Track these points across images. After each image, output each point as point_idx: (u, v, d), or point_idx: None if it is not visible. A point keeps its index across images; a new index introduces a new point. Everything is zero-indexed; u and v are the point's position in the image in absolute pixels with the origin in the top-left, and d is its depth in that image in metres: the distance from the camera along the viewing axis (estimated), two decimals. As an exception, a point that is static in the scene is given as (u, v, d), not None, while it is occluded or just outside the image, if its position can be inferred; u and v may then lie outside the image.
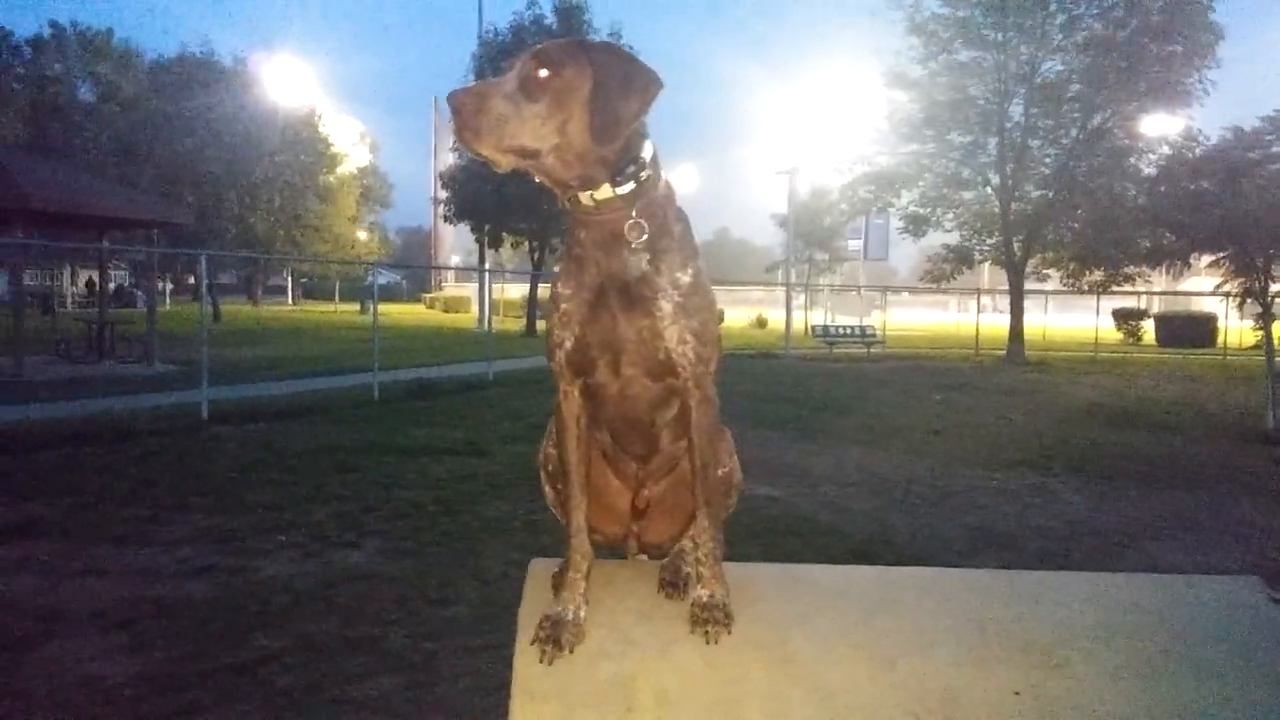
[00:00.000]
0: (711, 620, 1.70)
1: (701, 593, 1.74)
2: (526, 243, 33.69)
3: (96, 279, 33.79)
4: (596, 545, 1.85)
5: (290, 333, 31.70)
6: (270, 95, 44.83)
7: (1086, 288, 29.53)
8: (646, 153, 1.70)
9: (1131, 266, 28.31)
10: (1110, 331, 36.19)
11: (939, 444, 11.05)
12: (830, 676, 1.65)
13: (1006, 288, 29.60)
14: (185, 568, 5.63)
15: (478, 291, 41.93)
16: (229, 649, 4.41)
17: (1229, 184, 20.40)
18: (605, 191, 1.67)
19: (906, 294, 58.78)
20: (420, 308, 61.89)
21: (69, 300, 46.36)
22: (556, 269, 1.79)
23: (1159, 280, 34.89)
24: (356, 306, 55.08)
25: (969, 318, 35.21)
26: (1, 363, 16.20)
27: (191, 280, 57.35)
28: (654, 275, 1.68)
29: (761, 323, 44.88)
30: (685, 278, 1.69)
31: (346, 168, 58.76)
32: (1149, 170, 27.64)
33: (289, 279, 74.41)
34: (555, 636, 1.67)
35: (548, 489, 1.98)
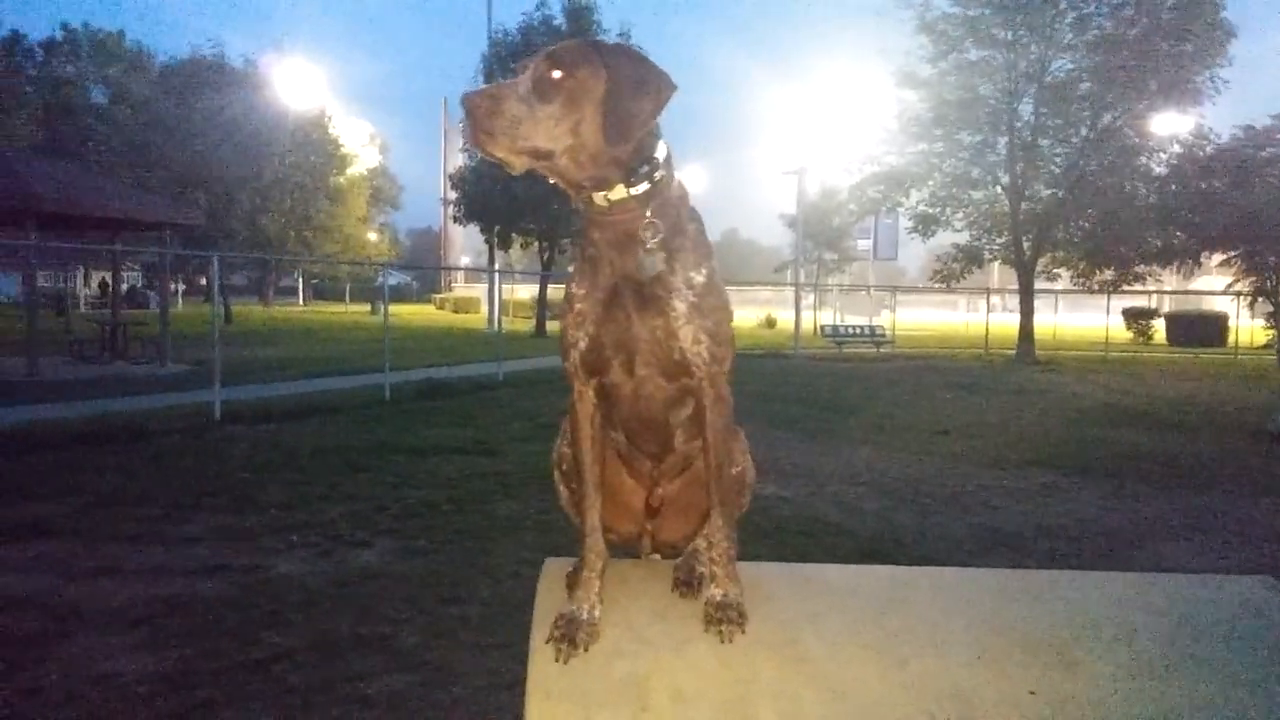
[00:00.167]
0: (726, 619, 1.70)
1: (715, 592, 1.75)
2: (536, 243, 33.70)
3: (109, 280, 33.93)
4: (610, 544, 1.86)
5: (301, 333, 31.80)
6: (280, 97, 44.94)
7: (1097, 287, 29.47)
8: (660, 153, 1.71)
9: (1142, 265, 28.23)
10: (1120, 331, 36.06)
11: (948, 444, 11.03)
12: (843, 676, 1.66)
13: (1016, 287, 29.52)
14: (198, 566, 5.66)
15: (487, 292, 41.97)
16: (242, 647, 4.43)
17: (1240, 182, 20.37)
18: (619, 192, 1.68)
19: (916, 294, 58.67)
20: (430, 308, 62.03)
21: (81, 301, 46.51)
22: (570, 269, 1.80)
23: (1170, 279, 34.83)
24: (367, 307, 55.27)
25: (978, 317, 35.17)
26: (15, 363, 16.31)
27: (203, 281, 57.57)
28: (668, 275, 1.69)
29: (770, 323, 44.83)
30: (699, 277, 1.70)
31: (356, 169, 58.90)
32: (1160, 169, 27.59)
33: (300, 280, 74.64)
34: (570, 635, 1.68)
35: (562, 488, 1.99)
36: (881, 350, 28.40)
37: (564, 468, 1.95)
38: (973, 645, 1.73)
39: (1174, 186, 26.07)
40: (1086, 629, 1.79)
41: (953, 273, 29.52)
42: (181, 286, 53.92)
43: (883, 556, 5.90)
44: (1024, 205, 27.55)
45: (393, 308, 17.90)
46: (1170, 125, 26.81)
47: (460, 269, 67.09)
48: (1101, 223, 26.85)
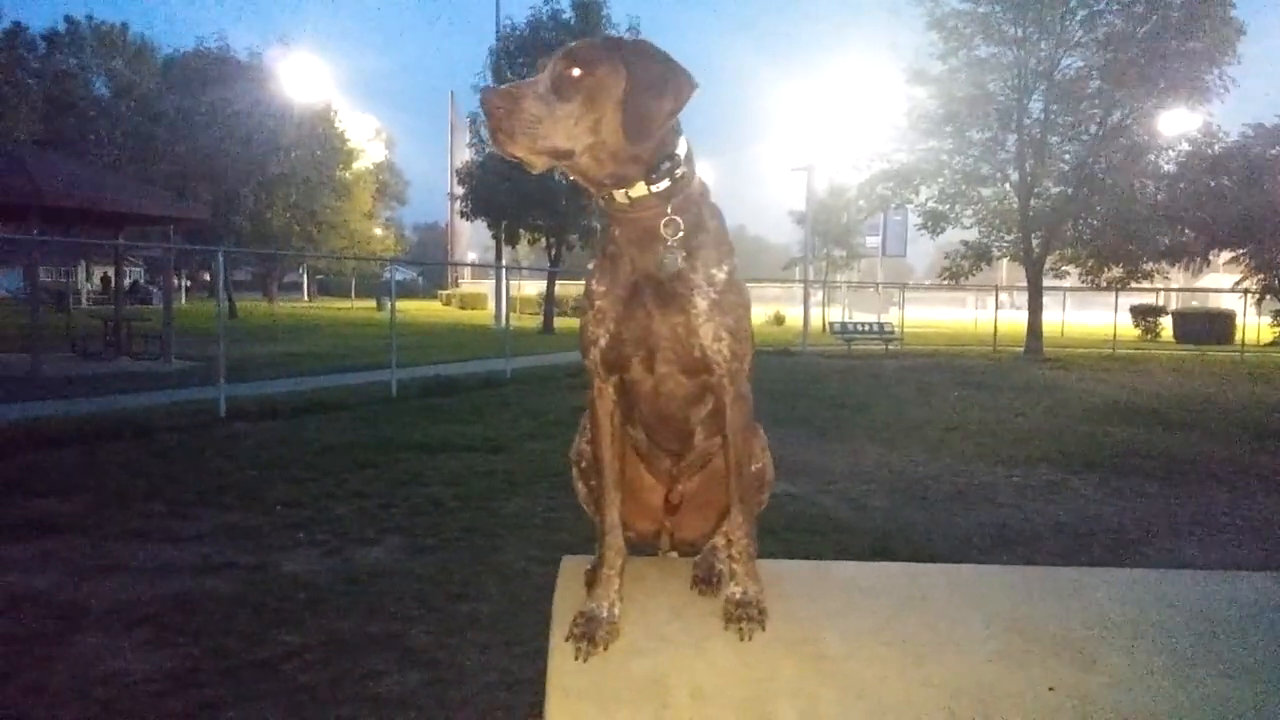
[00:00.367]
0: (745, 617, 1.70)
1: (735, 590, 1.74)
2: (544, 239, 33.69)
3: (111, 275, 34.01)
4: (628, 542, 1.85)
5: (307, 329, 31.84)
6: (286, 91, 44.92)
7: (1105, 284, 29.44)
8: (681, 149, 1.70)
9: (1150, 263, 28.20)
10: (1128, 328, 36.03)
11: (957, 441, 11.01)
12: (862, 674, 1.65)
13: (1024, 284, 29.49)
14: (205, 564, 5.65)
15: (494, 288, 41.98)
16: (250, 645, 4.41)
17: (1249, 181, 20.33)
18: (640, 189, 1.67)
19: (924, 291, 58.58)
20: (437, 304, 62.06)
21: (84, 297, 46.65)
22: (590, 266, 1.78)
23: (1177, 277, 34.79)
24: (373, 303, 55.30)
25: (987, 315, 35.12)
26: (18, 359, 16.31)
27: (207, 277, 57.71)
28: (689, 272, 1.68)
29: (779, 319, 44.80)
30: (721, 274, 1.69)
31: (362, 164, 58.90)
32: (1168, 167, 27.54)
33: (304, 276, 74.73)
34: (590, 633, 1.67)
35: (580, 485, 1.98)
36: (890, 347, 28.37)
37: (583, 465, 1.94)
38: (992, 642, 1.73)
39: (1183, 184, 26.03)
40: (1105, 626, 1.78)
41: (961, 269, 29.51)
42: (186, 282, 54.01)
43: (892, 554, 5.88)
44: (1033, 202, 27.53)
45: (399, 304, 17.89)
46: (1179, 123, 26.76)
47: (467, 265, 67.18)
48: (1110, 220, 26.83)
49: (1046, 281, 29.34)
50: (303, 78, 47.52)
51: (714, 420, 1.80)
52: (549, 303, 33.98)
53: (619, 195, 1.67)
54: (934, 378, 19.75)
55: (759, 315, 44.75)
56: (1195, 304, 42.22)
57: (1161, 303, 40.74)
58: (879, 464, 9.44)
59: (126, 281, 34.12)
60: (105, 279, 49.51)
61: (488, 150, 32.37)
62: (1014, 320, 32.30)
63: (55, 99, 45.95)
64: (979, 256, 29.31)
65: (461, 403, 13.32)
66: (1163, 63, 25.13)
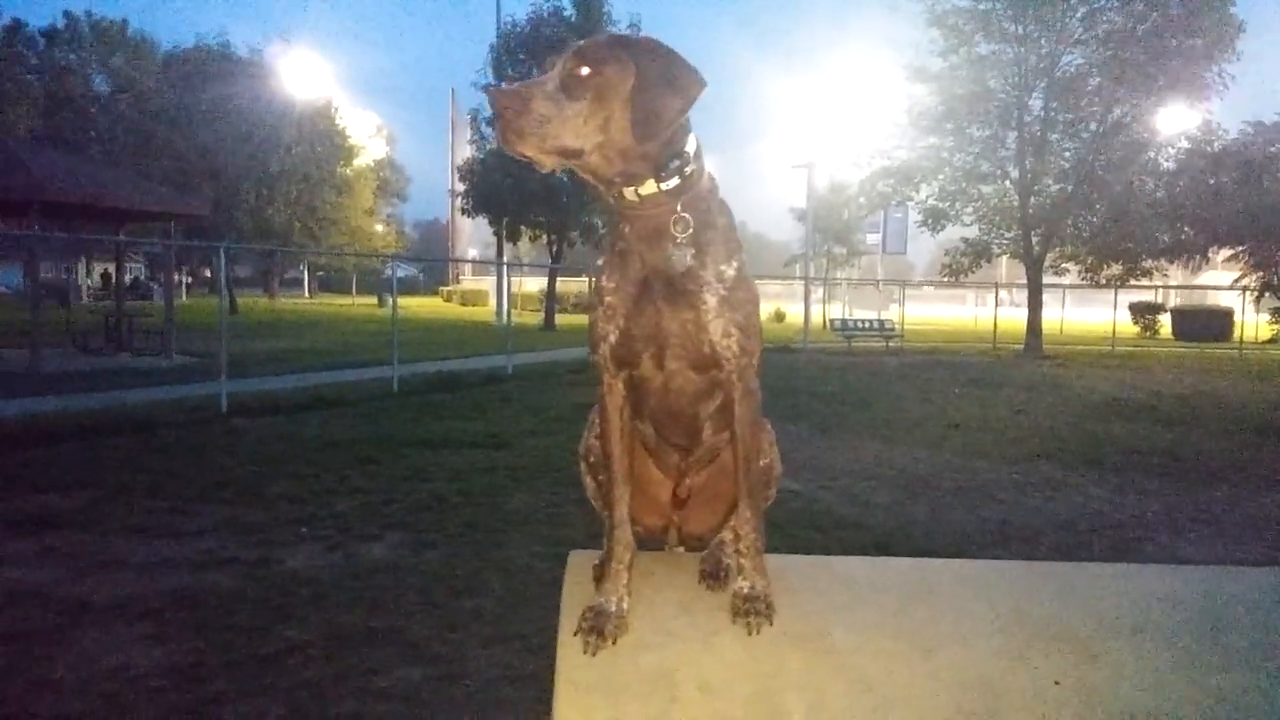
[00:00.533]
0: (753, 611, 1.70)
1: (743, 584, 1.75)
2: (545, 236, 33.68)
3: (111, 271, 33.97)
4: (636, 537, 1.85)
5: (308, 325, 31.82)
6: (286, 87, 44.93)
7: (1104, 282, 29.44)
8: (690, 146, 1.71)
9: (1149, 260, 28.21)
10: (1127, 326, 36.06)
11: (957, 437, 11.02)
12: (870, 668, 1.66)
13: (1024, 282, 29.50)
14: (208, 559, 5.65)
15: (495, 285, 41.96)
16: (254, 640, 4.42)
17: (1249, 178, 20.29)
18: (650, 187, 1.67)
19: (924, 288, 58.57)
20: (438, 301, 62.01)
21: (84, 293, 46.59)
22: (600, 262, 1.79)
23: (1176, 274, 34.80)
24: (373, 299, 55.27)
25: (986, 312, 35.13)
26: (19, 355, 16.31)
27: (207, 273, 57.68)
28: (699, 269, 1.69)
29: (780, 316, 44.80)
30: (730, 271, 1.70)
31: (363, 160, 58.90)
32: (1168, 164, 27.54)
33: (305, 272, 74.71)
34: (599, 627, 1.68)
35: (588, 480, 1.99)
36: (890, 344, 28.37)
37: (591, 460, 1.95)
38: (998, 637, 1.73)
39: (1182, 182, 26.04)
40: (1110, 620, 1.79)
41: (961, 267, 29.51)
42: (187, 279, 53.98)
43: (894, 550, 5.90)
44: (1033, 200, 27.53)
45: (400, 300, 17.89)
46: (1179, 120, 26.76)
47: (468, 261, 67.15)
48: (1110, 217, 26.84)
49: (1046, 279, 29.33)
50: (303, 74, 47.57)
51: (722, 415, 1.80)
52: (550, 299, 33.96)
53: (629, 193, 1.68)
54: (934, 374, 19.76)
55: (760, 312, 44.73)
56: (1194, 301, 42.21)
57: (1160, 300, 40.78)
58: (880, 460, 9.45)
59: (127, 278, 34.07)
60: (105, 275, 49.41)
61: (489, 147, 32.39)
62: (1013, 317, 32.32)
63: (55, 95, 45.99)
64: (979, 254, 29.31)
65: (463, 399, 13.33)
66: (1162, 60, 25.13)
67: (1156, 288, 36.60)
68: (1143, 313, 38.72)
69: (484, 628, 4.61)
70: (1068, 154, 28.10)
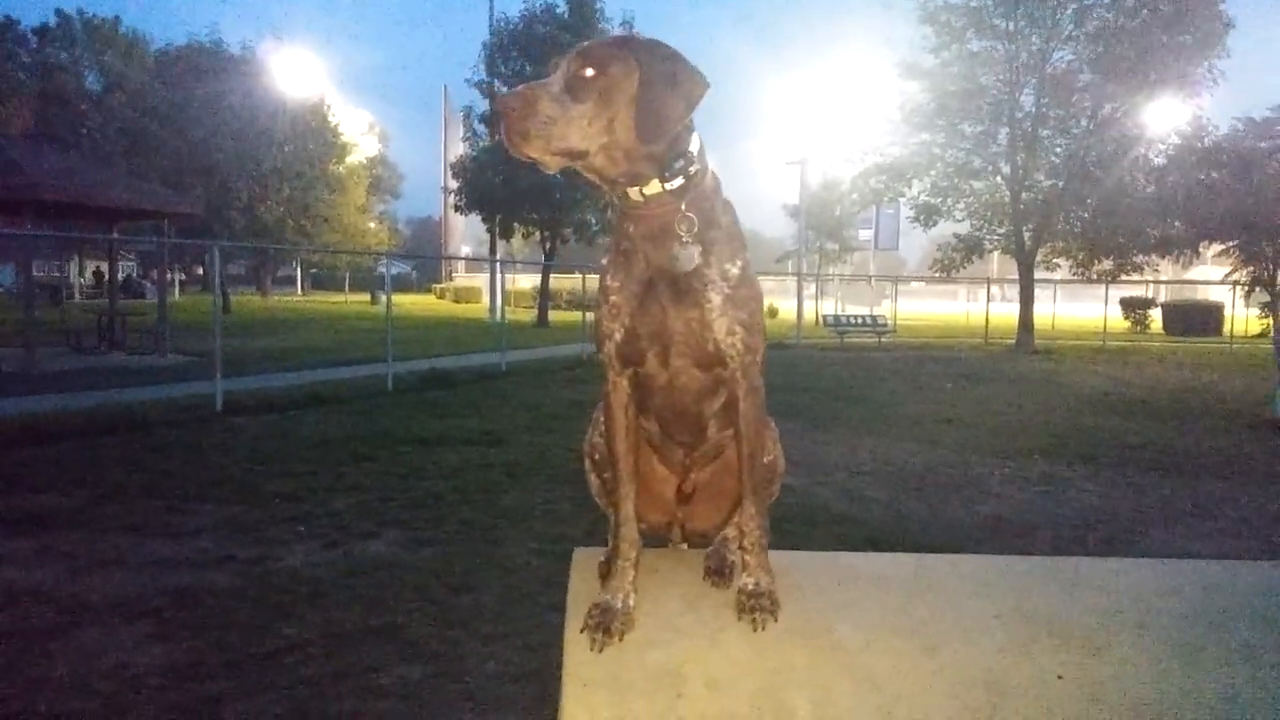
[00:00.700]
0: (758, 608, 1.71)
1: (748, 580, 1.76)
2: (538, 233, 33.65)
3: (104, 270, 33.88)
4: (640, 534, 1.86)
5: (301, 323, 31.75)
6: (279, 85, 44.82)
7: (1095, 277, 29.53)
8: (694, 146, 1.72)
9: (1140, 255, 28.31)
10: (1118, 320, 36.18)
11: (951, 432, 11.06)
12: (875, 664, 1.67)
13: (1015, 277, 29.59)
14: (205, 558, 5.65)
15: (489, 282, 41.91)
16: (253, 638, 4.42)
17: (1240, 174, 20.29)
18: (654, 187, 1.69)
19: (916, 284, 58.66)
20: (431, 298, 61.93)
21: (76, 291, 46.45)
22: (604, 261, 1.80)
23: (1167, 269, 34.90)
24: (367, 297, 55.20)
25: (978, 307, 35.20)
26: (13, 354, 16.23)
27: (200, 271, 57.52)
28: (703, 267, 1.70)
29: (772, 312, 44.77)
30: (734, 269, 1.71)
31: (356, 158, 58.80)
32: (1158, 160, 27.62)
33: (298, 270, 74.53)
34: (606, 624, 1.69)
35: (593, 478, 2.00)
36: (883, 340, 28.44)
37: (596, 457, 1.96)
38: (1001, 632, 1.75)
39: (1172, 177, 26.11)
40: (1112, 614, 1.81)
41: (953, 262, 29.59)
42: (180, 276, 53.84)
43: (890, 545, 5.91)
44: (1024, 195, 27.64)
45: (393, 297, 17.89)
46: (1169, 116, 26.85)
47: (461, 258, 67.07)
48: (1101, 213, 26.93)
49: (1037, 274, 29.45)
50: (296, 72, 47.46)
51: (727, 413, 1.82)
52: (544, 296, 33.93)
53: (633, 193, 1.69)
54: (927, 370, 19.81)
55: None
56: (1184, 296, 42.33)
57: (1151, 295, 40.92)
58: (874, 456, 9.48)
59: (119, 276, 33.95)
60: (97, 273, 49.26)
61: (482, 144, 32.34)
62: (1005, 313, 32.41)
63: (47, 93, 45.79)
64: (970, 249, 29.41)
65: (458, 396, 13.32)
66: (1152, 56, 25.24)
67: (1147, 283, 36.74)
68: (1134, 308, 38.85)
69: (482, 625, 4.62)
70: (1059, 150, 28.21)
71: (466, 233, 69.15)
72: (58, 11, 52.38)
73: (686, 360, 1.74)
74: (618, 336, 1.74)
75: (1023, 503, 7.71)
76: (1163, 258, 29.66)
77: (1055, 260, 30.25)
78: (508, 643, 4.38)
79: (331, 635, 4.48)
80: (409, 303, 48.44)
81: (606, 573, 1.81)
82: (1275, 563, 2.00)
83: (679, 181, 1.69)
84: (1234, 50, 26.34)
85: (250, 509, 6.76)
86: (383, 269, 38.47)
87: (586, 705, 1.59)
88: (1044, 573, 1.98)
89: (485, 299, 45.89)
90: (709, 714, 1.59)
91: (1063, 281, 35.43)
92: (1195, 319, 35.88)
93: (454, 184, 34.60)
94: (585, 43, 1.69)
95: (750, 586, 1.75)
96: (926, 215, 29.43)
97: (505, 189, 29.68)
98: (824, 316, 33.84)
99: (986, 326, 30.14)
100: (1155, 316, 38.74)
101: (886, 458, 9.41)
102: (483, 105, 32.88)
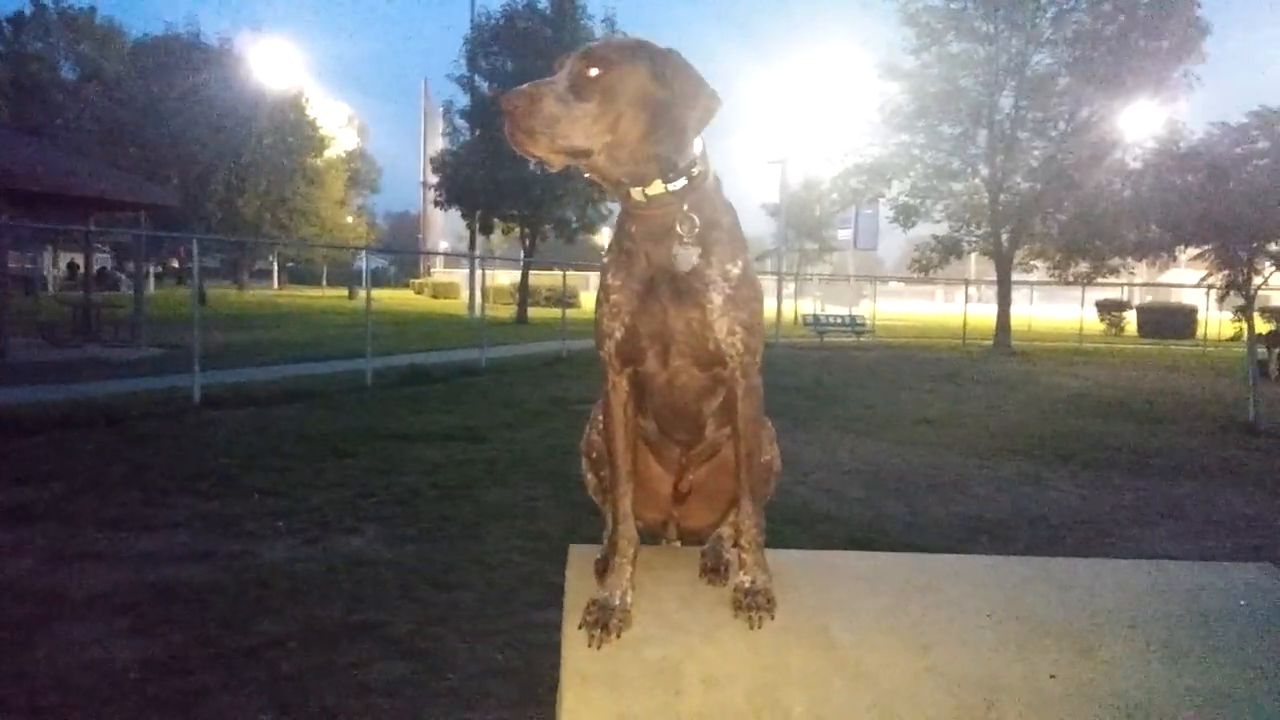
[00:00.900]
0: (754, 606, 1.72)
1: (744, 578, 1.77)
2: (518, 229, 33.56)
3: (78, 261, 33.50)
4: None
5: (278, 317, 31.54)
6: (257, 77, 44.50)
7: (1072, 279, 29.77)
8: (697, 148, 1.72)
9: (1116, 258, 28.55)
10: (1094, 323, 36.50)
11: (929, 433, 11.13)
12: (869, 662, 1.68)
13: (992, 278, 29.80)
14: (184, 552, 5.61)
15: (468, 278, 41.78)
16: (233, 634, 4.40)
17: (1215, 179, 20.45)
18: (657, 188, 1.69)
19: (895, 284, 58.95)
20: (408, 293, 61.69)
21: (49, 283, 45.90)
22: (605, 260, 1.81)
23: (1142, 272, 35.22)
24: (344, 291, 54.88)
25: (955, 308, 35.35)
26: (-14, 345, 16.06)
27: (175, 264, 57.01)
28: (704, 267, 1.71)
29: (751, 311, 44.91)
30: (735, 269, 1.72)
31: (334, 151, 58.47)
32: (1135, 164, 27.87)
33: (274, 263, 74.01)
34: (603, 621, 1.69)
35: (589, 476, 2.00)
36: (861, 339, 28.58)
37: (593, 455, 1.96)
38: (994, 631, 1.77)
39: (1148, 181, 26.34)
40: (1102, 615, 1.83)
41: (931, 262, 29.76)
42: (156, 269, 53.29)
43: (872, 544, 5.94)
44: (1002, 197, 27.83)
45: (372, 292, 17.80)
46: (1146, 121, 27.10)
47: (440, 254, 66.84)
48: (1078, 215, 27.15)
49: (1015, 275, 29.67)
50: (274, 64, 47.11)
51: (725, 412, 1.82)
52: (523, 292, 33.85)
53: (636, 193, 1.70)
54: (905, 370, 19.93)
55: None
56: (1158, 299, 42.74)
57: (1126, 298, 41.27)
58: (854, 455, 9.52)
59: (94, 268, 33.56)
60: (72, 265, 48.67)
61: (462, 139, 32.23)
62: (982, 314, 32.63)
63: (21, 83, 45.20)
64: (948, 250, 29.60)
65: (438, 392, 13.28)
66: (1130, 61, 25.47)
67: (1123, 285, 37.05)
68: (1109, 310, 39.20)
69: (464, 622, 4.61)
70: (1037, 152, 28.43)
71: (445, 228, 68.92)
72: (33, 0, 51.78)
73: (686, 359, 1.74)
74: (618, 335, 1.75)
75: (1000, 502, 7.78)
76: (1139, 261, 29.93)
77: (1032, 262, 30.48)
78: (490, 639, 4.37)
79: (313, 631, 4.46)
80: (387, 298, 48.22)
81: (604, 570, 1.81)
82: (1262, 564, 2.03)
83: (682, 182, 1.70)
84: (1211, 56, 26.66)
85: (229, 503, 6.71)
86: (361, 264, 38.24)
87: (586, 701, 1.59)
88: (1036, 573, 2.00)
89: (464, 295, 45.78)
90: (706, 710, 1.60)
91: (1039, 283, 35.72)
92: (1169, 322, 36.22)
93: (434, 179, 34.47)
94: (590, 43, 1.69)
95: (747, 584, 1.76)
96: (906, 216, 29.60)
97: (486, 185, 29.61)
98: (803, 316, 33.98)
99: (964, 327, 30.33)
100: (1130, 319, 39.07)
101: (865, 457, 9.46)
102: (463, 100, 32.79)
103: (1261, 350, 18.22)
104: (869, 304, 34.63)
